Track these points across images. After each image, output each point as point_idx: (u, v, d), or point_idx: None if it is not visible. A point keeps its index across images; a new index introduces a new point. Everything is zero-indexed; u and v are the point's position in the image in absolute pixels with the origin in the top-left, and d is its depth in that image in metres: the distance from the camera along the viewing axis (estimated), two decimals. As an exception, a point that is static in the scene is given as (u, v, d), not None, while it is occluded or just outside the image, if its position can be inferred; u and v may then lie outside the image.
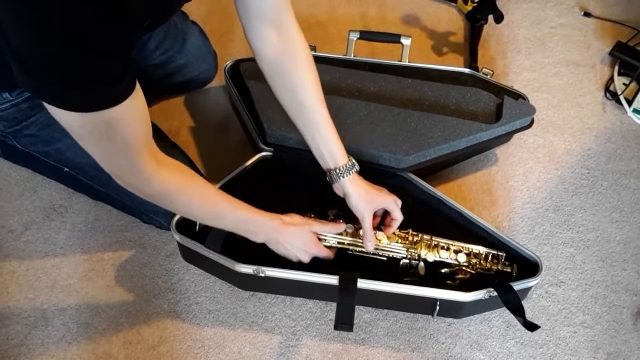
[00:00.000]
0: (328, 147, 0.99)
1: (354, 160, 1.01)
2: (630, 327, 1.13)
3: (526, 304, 1.13)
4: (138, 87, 0.73)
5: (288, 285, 1.06)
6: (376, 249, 1.05)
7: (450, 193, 1.28)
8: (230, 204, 0.94)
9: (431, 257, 1.05)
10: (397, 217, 1.04)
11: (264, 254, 1.03)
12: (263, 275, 1.02)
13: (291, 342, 1.10)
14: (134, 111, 0.74)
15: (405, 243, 1.06)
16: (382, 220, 1.08)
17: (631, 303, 1.16)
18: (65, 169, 1.07)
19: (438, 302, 1.03)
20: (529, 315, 1.13)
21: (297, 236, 1.00)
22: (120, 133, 0.73)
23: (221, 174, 1.14)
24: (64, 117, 0.69)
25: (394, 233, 1.06)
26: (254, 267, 1.02)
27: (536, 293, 1.16)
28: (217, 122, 1.35)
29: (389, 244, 1.05)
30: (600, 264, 1.20)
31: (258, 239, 0.99)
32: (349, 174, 0.99)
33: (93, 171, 1.07)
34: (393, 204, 1.03)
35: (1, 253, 1.18)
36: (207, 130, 1.35)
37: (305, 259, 1.02)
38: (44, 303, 1.13)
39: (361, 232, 1.04)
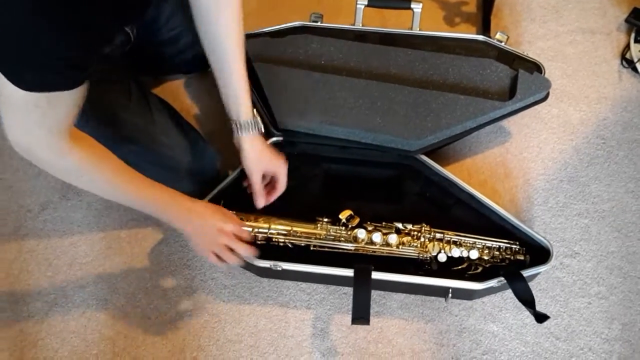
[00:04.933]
0: (235, 99, 1.02)
1: (259, 121, 1.04)
2: (646, 297, 1.13)
3: (540, 276, 1.13)
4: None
5: (305, 275, 1.09)
6: (389, 253, 1.06)
7: (463, 166, 1.28)
8: (144, 183, 0.95)
9: (443, 257, 1.06)
10: (280, 187, 1.07)
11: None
12: (280, 269, 1.04)
13: (306, 315, 1.12)
14: (79, 97, 0.79)
15: (416, 246, 1.06)
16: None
17: (647, 273, 1.15)
18: None
19: (450, 290, 1.04)
20: (543, 286, 1.14)
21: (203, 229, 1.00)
22: (58, 111, 0.77)
23: (231, 159, 1.12)
24: (13, 92, 0.72)
25: (406, 234, 1.07)
26: (271, 262, 1.03)
27: (550, 264, 1.15)
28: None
29: (400, 249, 1.06)
30: (615, 234, 1.19)
31: (173, 223, 0.99)
32: (248, 132, 1.02)
33: None
34: (282, 172, 1.07)
35: (20, 232, 1.21)
36: (217, 113, 1.33)
37: (212, 258, 1.01)
38: (63, 281, 1.15)
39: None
